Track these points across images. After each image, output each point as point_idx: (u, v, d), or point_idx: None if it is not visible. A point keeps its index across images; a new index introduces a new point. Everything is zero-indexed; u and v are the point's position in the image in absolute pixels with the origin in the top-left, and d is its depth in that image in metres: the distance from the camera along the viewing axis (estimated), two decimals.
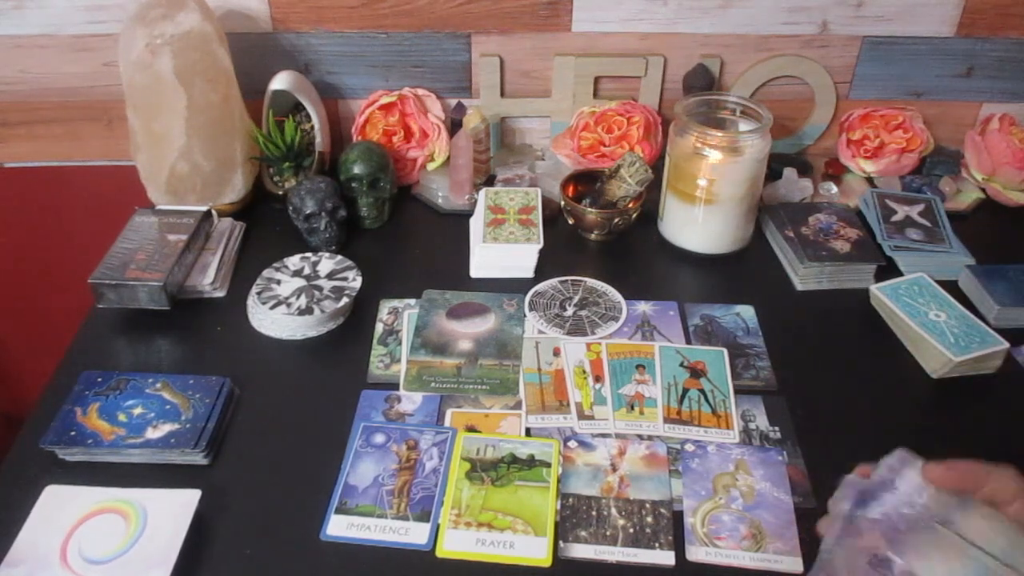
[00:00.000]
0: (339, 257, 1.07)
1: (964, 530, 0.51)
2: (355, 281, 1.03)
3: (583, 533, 0.77)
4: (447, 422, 0.89)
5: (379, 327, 1.01)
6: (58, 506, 0.76)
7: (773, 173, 1.23)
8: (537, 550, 0.75)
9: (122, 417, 0.85)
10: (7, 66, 1.25)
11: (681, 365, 0.95)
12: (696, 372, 0.95)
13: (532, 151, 1.35)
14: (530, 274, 1.10)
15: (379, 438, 0.86)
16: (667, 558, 0.75)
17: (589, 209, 1.14)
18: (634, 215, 1.14)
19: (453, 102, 1.29)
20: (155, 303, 0.99)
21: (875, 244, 1.12)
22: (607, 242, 1.17)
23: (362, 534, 0.77)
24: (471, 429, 0.88)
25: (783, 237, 1.13)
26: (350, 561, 0.75)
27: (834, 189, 1.25)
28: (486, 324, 1.01)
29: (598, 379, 0.94)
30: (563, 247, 1.15)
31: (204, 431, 0.83)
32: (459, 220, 1.20)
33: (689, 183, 1.09)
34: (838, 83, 1.30)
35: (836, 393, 0.93)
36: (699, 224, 1.12)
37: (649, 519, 0.78)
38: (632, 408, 0.90)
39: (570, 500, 0.80)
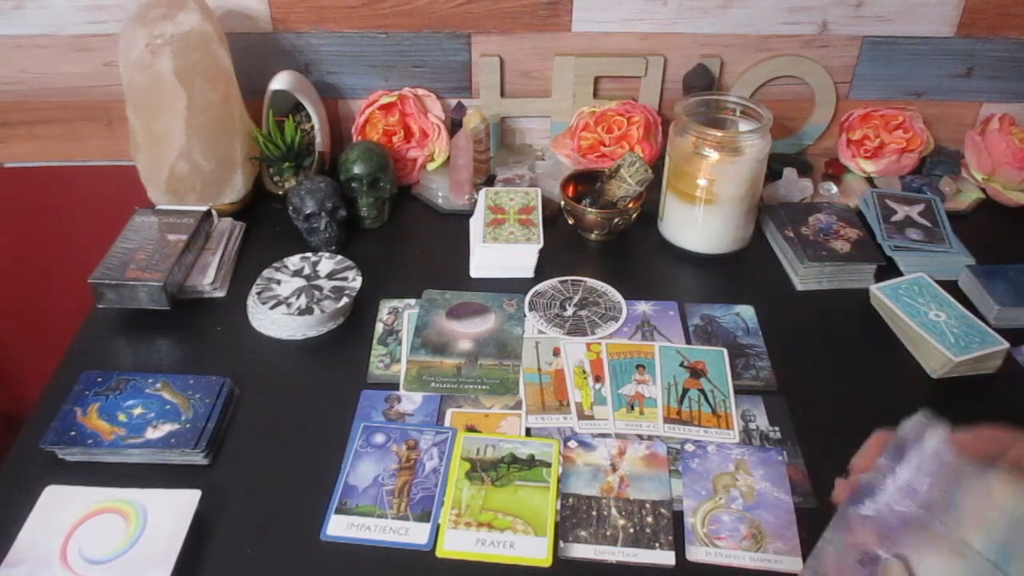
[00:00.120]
0: (339, 257, 1.07)
1: (989, 491, 0.51)
2: (355, 281, 1.03)
3: (583, 533, 0.77)
4: (447, 422, 0.89)
5: (379, 327, 1.01)
6: (58, 506, 0.76)
7: (773, 173, 1.23)
8: (537, 550, 0.75)
9: (122, 417, 0.85)
10: (7, 66, 1.25)
11: (681, 365, 0.95)
12: (696, 372, 0.95)
13: (532, 151, 1.35)
14: (530, 274, 1.10)
15: (379, 438, 0.86)
16: (667, 558, 0.75)
17: (589, 209, 1.14)
18: (634, 215, 1.14)
19: (453, 102, 1.29)
20: (155, 303, 0.99)
21: (875, 244, 1.12)
22: (607, 242, 1.17)
23: (362, 534, 0.77)
24: (471, 429, 0.88)
25: (783, 237, 1.13)
26: (350, 561, 0.75)
27: (834, 189, 1.25)
28: (486, 324, 1.01)
29: (598, 379, 0.94)
30: (563, 247, 1.15)
31: (204, 431, 0.83)
32: (459, 220, 1.20)
33: (689, 183, 1.09)
34: (838, 83, 1.30)
35: (836, 393, 0.93)
36: (699, 224, 1.12)
37: (649, 519, 0.78)
38: (632, 408, 0.90)
39: (570, 500, 0.80)
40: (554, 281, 1.09)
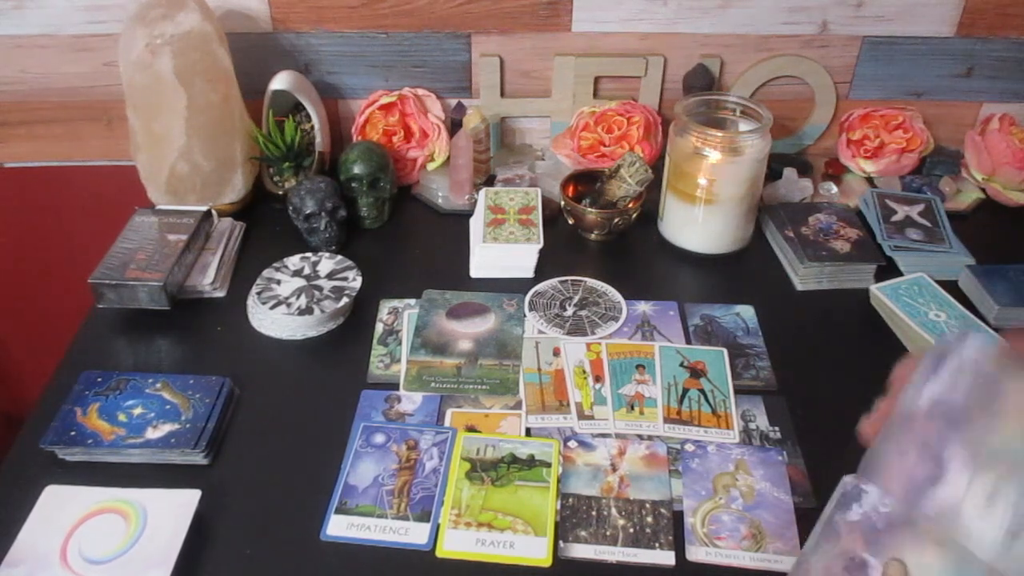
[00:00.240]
0: (339, 257, 1.07)
1: None
2: (355, 281, 1.03)
3: (583, 533, 0.77)
4: (447, 422, 0.89)
5: (379, 327, 1.01)
6: (58, 506, 0.76)
7: (773, 173, 1.23)
8: (537, 550, 0.75)
9: (122, 417, 0.85)
10: (7, 66, 1.25)
11: (681, 365, 0.95)
12: (696, 372, 0.95)
13: (532, 151, 1.35)
14: (530, 274, 1.10)
15: (379, 438, 0.86)
16: (667, 558, 0.75)
17: (589, 209, 1.14)
18: (634, 215, 1.14)
19: (453, 102, 1.29)
20: (155, 303, 0.99)
21: (875, 244, 1.12)
22: (607, 242, 1.17)
23: (362, 534, 0.77)
24: (471, 429, 0.88)
25: (783, 237, 1.13)
26: (350, 561, 0.75)
27: (834, 189, 1.25)
28: (486, 324, 1.01)
29: (598, 379, 0.94)
30: (563, 247, 1.15)
31: (204, 431, 0.83)
32: (459, 220, 1.20)
33: (689, 183, 1.09)
34: (838, 83, 1.30)
35: (836, 393, 0.93)
36: (699, 224, 1.12)
37: (649, 519, 0.78)
38: (632, 408, 0.90)
39: (570, 500, 0.80)
40: (554, 281, 1.09)
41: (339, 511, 0.79)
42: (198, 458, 0.83)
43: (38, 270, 1.47)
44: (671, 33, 1.25)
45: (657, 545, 0.76)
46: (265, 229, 1.18)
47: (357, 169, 1.15)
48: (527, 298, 1.05)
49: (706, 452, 0.85)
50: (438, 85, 1.30)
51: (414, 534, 0.77)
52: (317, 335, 1.00)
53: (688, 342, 0.99)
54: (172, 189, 1.15)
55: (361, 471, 0.83)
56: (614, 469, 0.83)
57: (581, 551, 0.76)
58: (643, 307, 1.04)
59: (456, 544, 0.76)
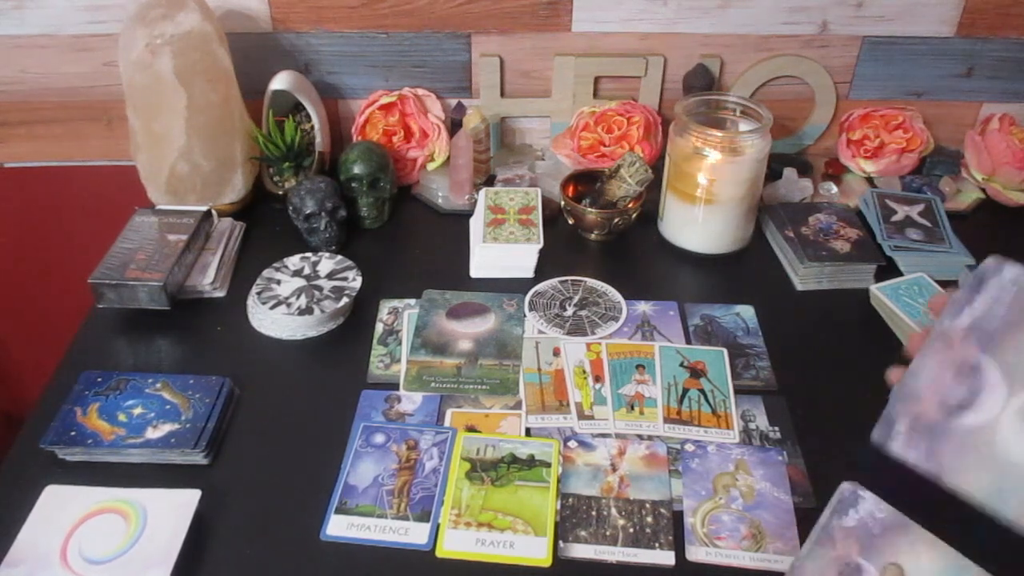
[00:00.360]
0: (339, 257, 1.07)
1: None
2: (355, 281, 1.03)
3: (583, 533, 0.77)
4: (447, 422, 0.89)
5: (379, 327, 1.01)
6: (58, 506, 0.76)
7: (773, 173, 1.23)
8: (537, 550, 0.75)
9: (122, 417, 0.85)
10: (7, 66, 1.25)
11: (681, 365, 0.96)
12: (696, 372, 0.95)
13: (532, 151, 1.35)
14: (530, 274, 1.10)
15: (379, 438, 0.86)
16: (667, 558, 0.75)
17: (589, 209, 1.14)
18: (634, 215, 1.14)
19: (453, 102, 1.29)
20: (155, 303, 0.99)
21: (875, 244, 1.12)
22: (607, 242, 1.17)
23: (362, 534, 0.77)
24: (471, 429, 0.88)
25: (783, 237, 1.13)
26: (350, 561, 0.75)
27: (834, 189, 1.25)
28: (486, 324, 1.01)
29: (598, 379, 0.94)
30: (563, 247, 1.15)
31: (204, 431, 0.83)
32: (459, 220, 1.20)
33: (689, 183, 1.09)
34: (838, 83, 1.30)
35: (836, 393, 0.93)
36: (699, 224, 1.12)
37: (649, 519, 0.78)
38: (632, 408, 0.90)
39: (570, 500, 0.80)
40: (554, 281, 1.09)
41: (339, 511, 0.79)
42: (198, 458, 0.83)
43: (38, 270, 1.47)
44: (671, 33, 1.25)
45: (657, 545, 0.76)
46: (265, 229, 1.18)
47: (357, 169, 1.15)
48: (527, 298, 1.05)
49: (706, 452, 0.85)
50: (438, 85, 1.30)
51: (414, 534, 0.77)
52: (317, 335, 1.00)
53: (688, 342, 0.99)
54: (172, 189, 1.15)
55: (361, 471, 0.83)
56: (614, 469, 0.83)
57: (581, 551, 0.76)
58: (643, 307, 1.04)
59: (456, 544, 0.76)
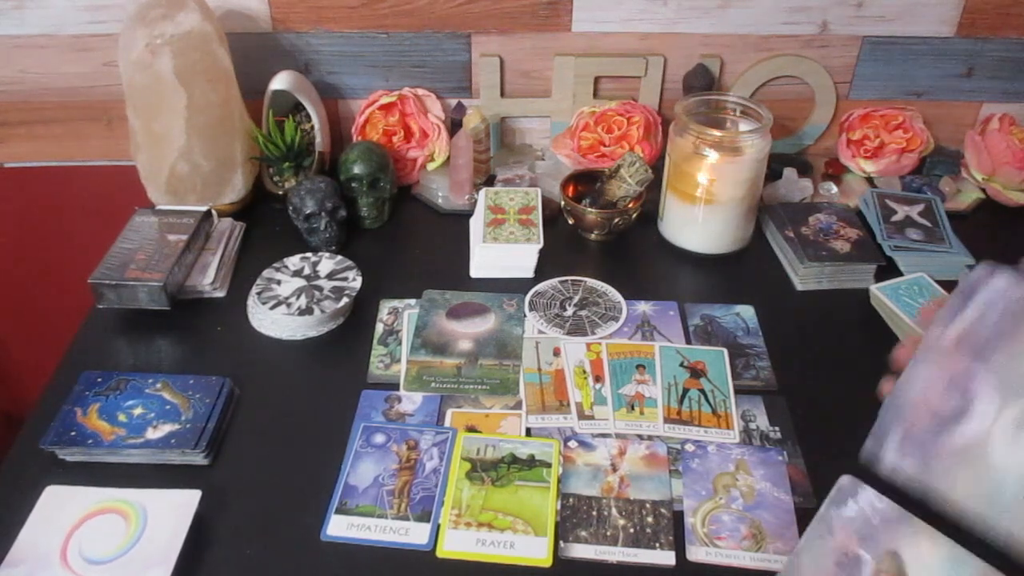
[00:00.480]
0: (339, 257, 1.07)
1: None
2: (355, 281, 1.03)
3: (583, 533, 0.77)
4: (447, 422, 0.89)
5: (379, 327, 1.01)
6: (58, 506, 0.76)
7: (773, 173, 1.23)
8: (537, 550, 0.75)
9: (122, 417, 0.85)
10: (7, 66, 1.25)
11: (681, 365, 0.95)
12: (696, 372, 0.95)
13: (532, 151, 1.35)
14: (530, 274, 1.10)
15: (379, 438, 0.86)
16: (667, 558, 0.75)
17: (589, 209, 1.14)
18: (634, 215, 1.14)
19: (453, 102, 1.29)
20: (155, 303, 0.99)
21: (875, 244, 1.12)
22: (607, 242, 1.17)
23: (362, 534, 0.77)
24: (471, 429, 0.88)
25: (783, 237, 1.13)
26: (350, 561, 0.75)
27: (834, 189, 1.25)
28: (486, 324, 1.01)
29: (598, 379, 0.94)
30: (563, 247, 1.15)
31: (204, 431, 0.83)
32: (459, 220, 1.20)
33: (689, 183, 1.09)
34: (838, 83, 1.30)
35: (836, 393, 0.93)
36: (699, 224, 1.12)
37: (649, 519, 0.78)
38: (632, 408, 0.90)
39: (570, 500, 0.80)
40: (554, 281, 1.09)
41: (339, 511, 0.79)
42: (198, 458, 0.83)
43: (38, 270, 1.47)
44: (671, 33, 1.25)
45: (657, 545, 0.76)
46: (265, 229, 1.18)
47: (357, 169, 1.15)
48: (527, 298, 1.05)
49: (706, 452, 0.85)
50: (438, 85, 1.30)
51: (414, 534, 0.77)
52: (317, 335, 1.00)
53: (688, 342, 0.99)
54: (172, 189, 1.15)
55: (361, 471, 0.83)
56: (614, 469, 0.83)
57: (581, 551, 0.76)
58: (643, 307, 1.04)
59: (456, 544, 0.76)
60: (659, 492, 0.81)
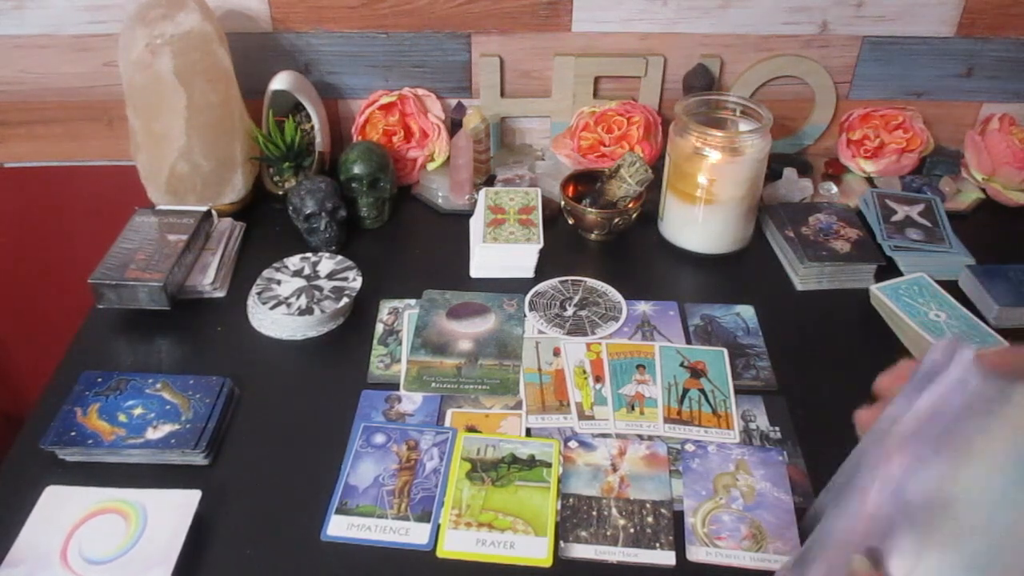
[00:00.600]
0: (339, 257, 1.07)
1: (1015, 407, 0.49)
2: (355, 281, 1.03)
3: (583, 533, 0.77)
4: (447, 422, 0.89)
5: (379, 327, 1.01)
6: (58, 506, 0.76)
7: (773, 173, 1.23)
8: (537, 550, 0.75)
9: (122, 417, 0.85)
10: (7, 66, 1.25)
11: (681, 365, 0.95)
12: (696, 372, 0.95)
13: (532, 151, 1.35)
14: (530, 274, 1.10)
15: (379, 438, 0.86)
16: (667, 558, 0.75)
17: (589, 209, 1.14)
18: (634, 215, 1.14)
19: (453, 102, 1.29)
20: (155, 303, 0.99)
21: (875, 244, 1.12)
22: (607, 242, 1.17)
23: (362, 534, 0.77)
24: (471, 429, 0.88)
25: (783, 237, 1.13)
26: (350, 561, 0.75)
27: (834, 189, 1.25)
28: (486, 324, 1.01)
29: (598, 379, 0.94)
30: (563, 247, 1.15)
31: (204, 431, 0.83)
32: (459, 220, 1.20)
33: (689, 183, 1.09)
34: (838, 83, 1.30)
35: (836, 393, 0.93)
36: (699, 224, 1.12)
37: (649, 519, 0.78)
38: (632, 408, 0.90)
39: (570, 500, 0.80)
40: (554, 281, 1.09)
41: (339, 511, 0.79)
42: (198, 458, 0.83)
43: (38, 270, 1.47)
44: (671, 33, 1.25)
45: (657, 545, 0.76)
46: (265, 229, 1.18)
47: (357, 169, 1.15)
48: (527, 298, 1.05)
49: (706, 452, 0.85)
50: (438, 85, 1.30)
51: (414, 534, 0.77)
52: (317, 335, 1.00)
53: (688, 342, 0.99)
54: (172, 189, 1.15)
55: (361, 471, 0.83)
56: (614, 469, 0.83)
57: (581, 551, 0.76)
58: (643, 307, 1.04)
59: (456, 544, 0.76)
60: (659, 492, 0.81)
